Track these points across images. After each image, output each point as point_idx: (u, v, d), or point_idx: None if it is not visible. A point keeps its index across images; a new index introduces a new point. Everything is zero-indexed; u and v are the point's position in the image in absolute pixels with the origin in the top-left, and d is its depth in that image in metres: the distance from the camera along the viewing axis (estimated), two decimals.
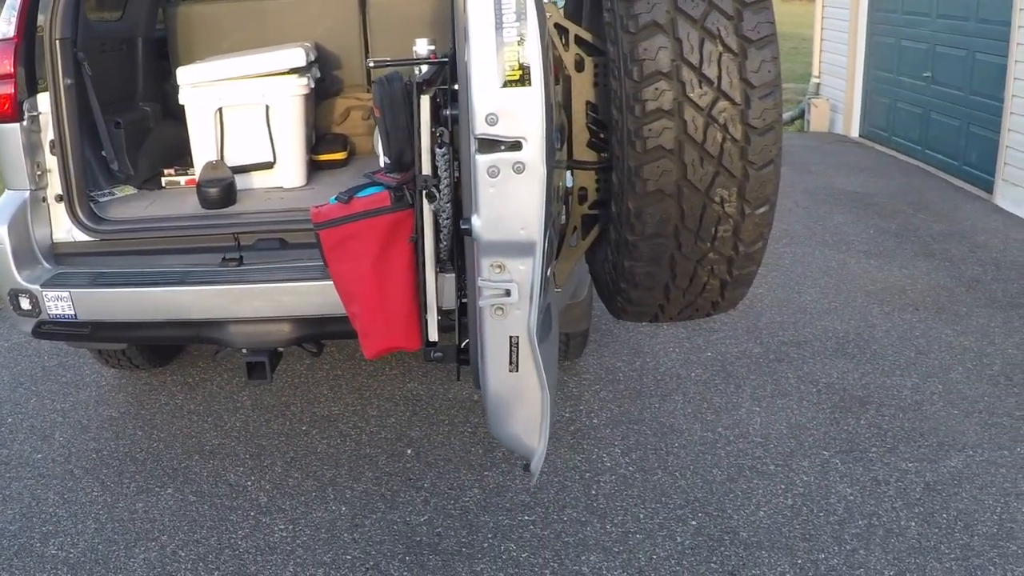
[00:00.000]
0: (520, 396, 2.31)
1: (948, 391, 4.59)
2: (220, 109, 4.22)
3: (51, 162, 3.80)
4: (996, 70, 8.31)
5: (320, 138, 4.86)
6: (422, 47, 2.87)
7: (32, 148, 3.72)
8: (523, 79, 2.02)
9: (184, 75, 4.26)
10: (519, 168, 2.06)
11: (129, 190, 4.34)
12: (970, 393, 4.56)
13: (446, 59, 2.52)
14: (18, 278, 3.64)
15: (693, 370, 4.87)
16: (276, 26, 5.10)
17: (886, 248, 6.93)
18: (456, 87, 2.28)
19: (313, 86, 4.44)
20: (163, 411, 4.66)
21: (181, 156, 4.75)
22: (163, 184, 4.47)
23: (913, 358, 4.98)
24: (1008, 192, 8.02)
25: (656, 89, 2.27)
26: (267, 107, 4.23)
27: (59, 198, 3.81)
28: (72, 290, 3.59)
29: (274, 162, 4.30)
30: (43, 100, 3.76)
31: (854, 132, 11.52)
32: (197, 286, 3.56)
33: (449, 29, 4.81)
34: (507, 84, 2.02)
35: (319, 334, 3.68)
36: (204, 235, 3.83)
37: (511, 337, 2.21)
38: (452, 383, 4.79)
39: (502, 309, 2.16)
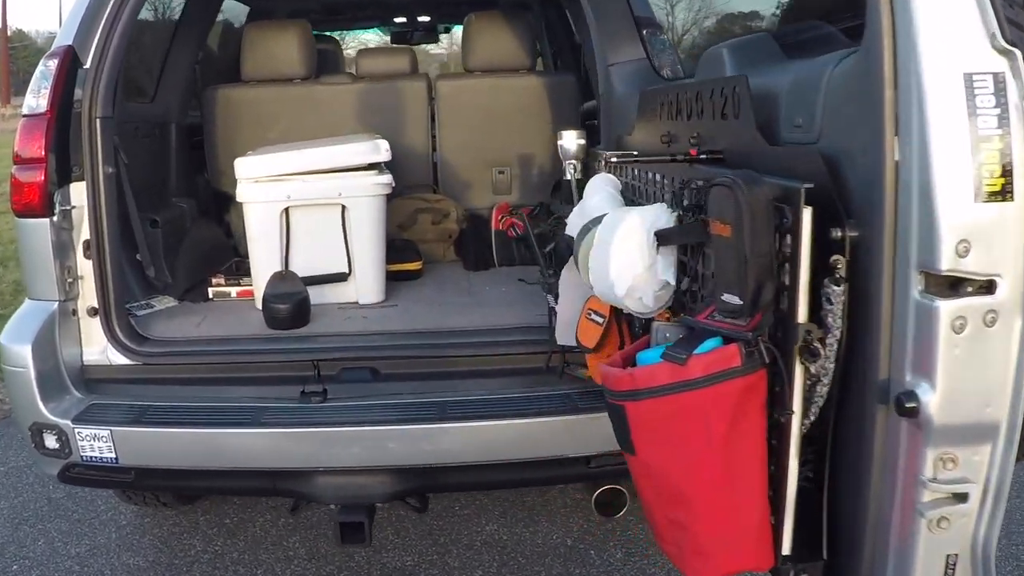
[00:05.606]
0: None
1: None
2: (287, 209, 3.67)
3: (84, 267, 3.23)
4: None
5: (388, 245, 4.30)
6: (570, 141, 2.29)
7: (63, 249, 3.15)
8: (1004, 191, 1.40)
9: (245, 168, 3.70)
10: (991, 319, 1.43)
11: (169, 301, 3.78)
12: None
13: (720, 154, 1.90)
14: (44, 410, 3.03)
15: None
16: (329, 116, 4.72)
17: None
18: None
19: (394, 184, 3.90)
20: (200, 561, 3.97)
21: (220, 261, 4.30)
22: (210, 295, 3.91)
23: None
24: None
25: None
26: (343, 208, 3.69)
27: (93, 311, 3.24)
28: (113, 428, 2.98)
29: (349, 273, 3.76)
30: (77, 191, 3.22)
31: None
32: (275, 427, 2.96)
33: (549, 120, 4.48)
34: (987, 198, 1.39)
35: (429, 486, 3.13)
36: (276, 362, 3.28)
37: (948, 556, 1.53)
38: (538, 526, 4.17)
39: (947, 519, 1.48)
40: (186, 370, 3.28)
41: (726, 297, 1.66)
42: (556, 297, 2.80)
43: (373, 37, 10.53)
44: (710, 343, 1.69)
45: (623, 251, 2.00)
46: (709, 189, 1.67)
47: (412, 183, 4.71)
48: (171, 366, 3.28)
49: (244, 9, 5.92)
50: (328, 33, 7.84)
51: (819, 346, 1.56)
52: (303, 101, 4.71)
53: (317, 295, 3.65)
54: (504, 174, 4.72)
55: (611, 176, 2.63)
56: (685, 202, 1.92)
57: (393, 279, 4.04)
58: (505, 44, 4.64)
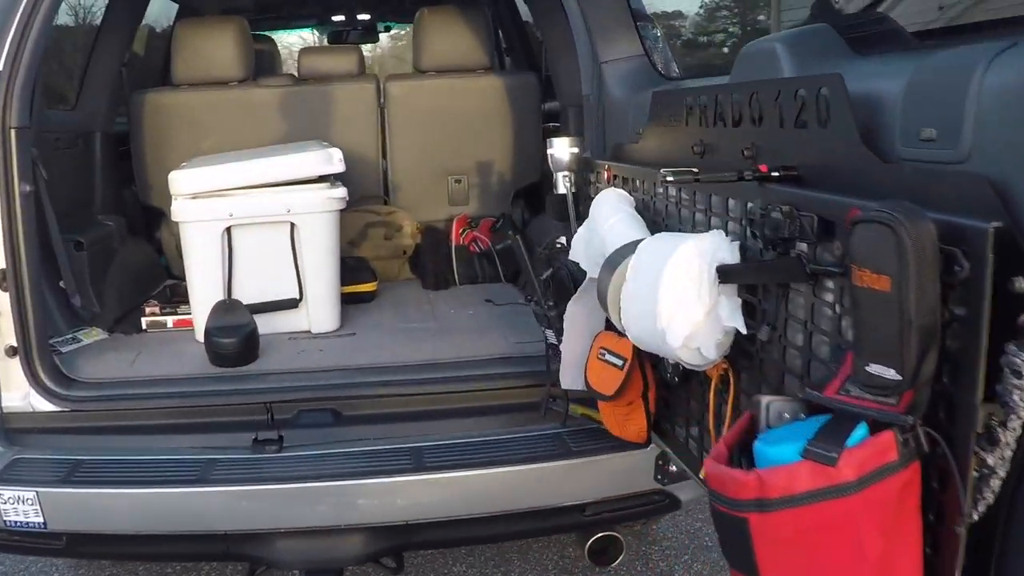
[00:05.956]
0: None
1: None
2: (229, 228, 3.31)
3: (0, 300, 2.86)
4: None
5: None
6: (562, 150, 1.96)
7: None
8: None
9: (181, 181, 3.34)
10: None
11: (98, 334, 3.39)
12: None
13: (795, 171, 1.55)
14: None
15: None
16: (269, 122, 4.37)
17: None
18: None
19: (348, 198, 3.55)
20: None
21: (153, 285, 3.99)
22: (144, 326, 3.53)
23: None
24: None
25: None
26: (292, 225, 3.34)
27: (12, 351, 2.88)
28: (39, 489, 2.62)
29: (300, 299, 3.41)
30: None
31: None
32: (226, 485, 2.62)
33: (509, 124, 4.16)
34: None
35: (405, 545, 2.80)
36: (223, 405, 2.93)
37: None
38: (511, 565, 3.87)
39: None
40: (121, 416, 2.92)
41: (874, 369, 1.27)
42: (557, 332, 2.44)
43: (297, 40, 10.05)
44: (860, 432, 1.30)
45: (676, 290, 1.62)
46: (854, 226, 1.24)
47: (360, 195, 4.33)
48: (104, 412, 2.92)
49: (173, 7, 5.56)
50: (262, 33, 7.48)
51: (1000, 431, 1.21)
52: (240, 106, 4.36)
53: (265, 324, 3.29)
54: (461, 183, 4.39)
55: (624, 192, 2.28)
56: (767, 231, 1.53)
57: (345, 302, 3.69)
58: (461, 41, 4.33)
